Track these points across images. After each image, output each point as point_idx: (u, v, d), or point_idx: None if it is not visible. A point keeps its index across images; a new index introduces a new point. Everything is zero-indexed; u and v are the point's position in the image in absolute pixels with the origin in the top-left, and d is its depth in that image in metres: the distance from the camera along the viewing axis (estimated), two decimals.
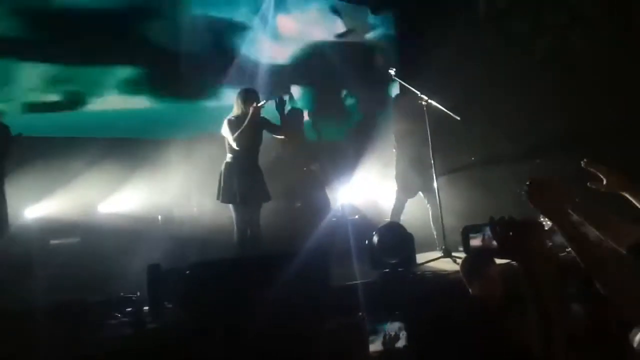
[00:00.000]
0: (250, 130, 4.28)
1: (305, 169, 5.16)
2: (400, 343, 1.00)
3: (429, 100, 4.70)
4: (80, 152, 4.38)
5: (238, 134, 4.20)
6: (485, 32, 7.03)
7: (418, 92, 4.76)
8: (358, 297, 3.05)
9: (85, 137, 4.60)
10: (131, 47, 5.33)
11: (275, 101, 4.42)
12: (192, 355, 2.53)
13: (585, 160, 1.87)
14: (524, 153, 5.97)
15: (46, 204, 4.31)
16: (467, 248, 1.47)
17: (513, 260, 1.42)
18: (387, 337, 1.01)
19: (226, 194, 4.29)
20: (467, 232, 1.46)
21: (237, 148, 4.27)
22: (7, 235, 3.44)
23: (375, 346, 0.96)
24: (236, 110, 4.39)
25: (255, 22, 6.41)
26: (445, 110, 4.71)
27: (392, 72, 5.24)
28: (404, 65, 7.05)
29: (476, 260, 2.62)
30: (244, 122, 4.24)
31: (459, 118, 4.71)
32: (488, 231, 1.42)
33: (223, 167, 4.37)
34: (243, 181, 4.29)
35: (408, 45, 7.56)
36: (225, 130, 4.33)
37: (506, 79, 6.40)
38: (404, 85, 5.12)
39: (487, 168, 6.15)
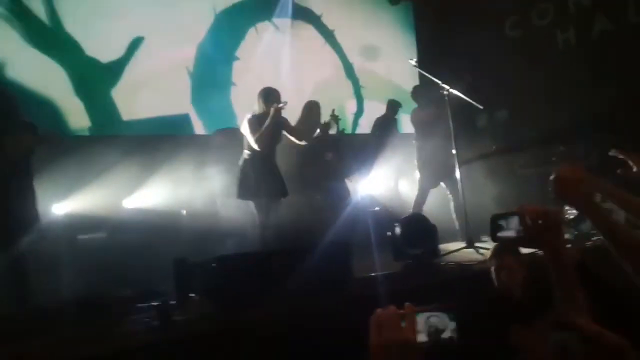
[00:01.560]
0: (271, 130, 4.31)
1: (322, 159, 5.16)
2: (446, 334, 0.99)
3: (450, 90, 4.64)
4: (107, 148, 4.44)
5: (259, 136, 4.23)
6: (506, 19, 6.92)
7: (439, 82, 4.70)
8: (383, 288, 3.05)
9: (111, 134, 4.65)
10: None
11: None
12: (218, 348, 2.56)
13: (615, 149, 1.85)
14: (547, 140, 5.88)
15: (74, 201, 4.40)
16: (494, 237, 1.44)
17: (540, 250, 1.40)
18: (432, 328, 1.00)
19: (243, 191, 4.33)
20: (495, 220, 1.43)
21: (256, 148, 4.29)
22: (37, 231, 3.51)
23: (420, 337, 0.96)
24: (257, 110, 4.41)
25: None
26: (467, 99, 4.64)
27: (412, 61, 5.19)
28: (423, 55, 7.00)
29: (503, 251, 2.59)
30: (264, 121, 4.27)
31: (481, 107, 4.64)
32: (516, 220, 1.39)
33: (240, 163, 4.41)
34: (260, 177, 4.34)
35: (427, 34, 7.47)
36: (245, 129, 4.36)
37: (530, 66, 6.30)
38: (424, 75, 5.06)
39: (510, 157, 6.08)
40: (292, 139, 4.71)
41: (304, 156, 5.09)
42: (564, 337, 0.91)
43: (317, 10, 6.96)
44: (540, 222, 1.34)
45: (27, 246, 3.39)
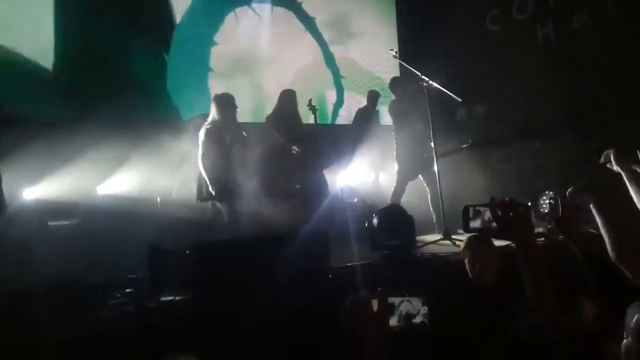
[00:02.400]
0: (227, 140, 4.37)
1: (292, 152, 5.15)
2: (417, 319, 0.99)
3: (430, 82, 4.65)
4: (79, 133, 4.33)
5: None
6: (487, 14, 6.97)
7: (419, 73, 4.71)
8: (360, 277, 3.06)
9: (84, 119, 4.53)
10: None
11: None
12: (191, 335, 2.54)
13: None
14: (523, 135, 5.96)
15: (45, 186, 4.29)
16: (466, 227, 1.47)
17: (511, 242, 1.43)
18: (404, 313, 1.01)
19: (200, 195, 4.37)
20: (467, 212, 1.46)
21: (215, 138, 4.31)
22: (4, 216, 3.41)
23: (392, 321, 0.96)
24: (213, 116, 4.43)
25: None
26: (446, 92, 4.66)
27: (392, 52, 5.18)
28: (404, 46, 7.00)
29: (476, 243, 2.63)
30: (221, 129, 4.34)
31: (460, 99, 4.67)
32: (488, 212, 1.42)
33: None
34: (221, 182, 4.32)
35: (408, 25, 7.48)
36: (202, 141, 4.33)
37: (508, 61, 6.36)
38: (404, 66, 5.07)
39: (487, 151, 6.15)
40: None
41: (275, 147, 5.09)
42: (536, 319, 0.94)
43: None
44: (510, 214, 1.37)
45: None
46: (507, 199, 1.40)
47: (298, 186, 5.23)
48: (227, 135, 4.44)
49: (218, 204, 4.39)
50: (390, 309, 1.04)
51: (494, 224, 1.40)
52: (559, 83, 5.82)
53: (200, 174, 4.36)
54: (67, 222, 4.30)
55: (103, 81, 5.04)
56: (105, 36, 5.20)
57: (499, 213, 1.38)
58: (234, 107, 4.48)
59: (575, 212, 1.57)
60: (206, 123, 4.42)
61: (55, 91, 4.79)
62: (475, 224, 1.45)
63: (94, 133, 4.39)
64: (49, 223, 4.25)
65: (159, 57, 5.68)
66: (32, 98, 4.68)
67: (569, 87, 5.77)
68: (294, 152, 5.04)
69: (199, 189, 4.37)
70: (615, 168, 1.91)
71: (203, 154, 4.30)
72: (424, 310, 1.05)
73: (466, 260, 2.67)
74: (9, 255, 3.48)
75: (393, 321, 1.02)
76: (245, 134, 4.62)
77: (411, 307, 1.06)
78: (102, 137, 4.41)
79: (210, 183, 4.26)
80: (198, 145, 4.34)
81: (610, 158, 1.90)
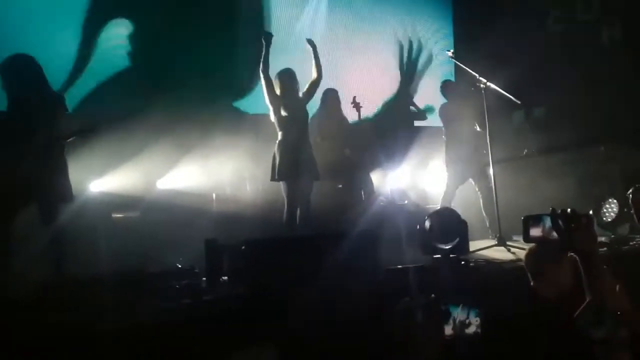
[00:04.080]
0: (293, 102, 4.41)
1: (344, 151, 5.16)
2: (471, 329, 0.98)
3: (488, 83, 4.54)
4: (142, 128, 4.52)
5: (281, 107, 4.37)
6: (549, 14, 6.72)
7: (476, 74, 4.61)
8: (411, 280, 3.03)
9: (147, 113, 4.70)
10: None
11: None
12: (244, 329, 2.60)
13: None
14: (585, 140, 5.70)
15: (109, 179, 4.51)
16: (526, 237, 1.45)
17: (574, 252, 1.41)
18: (457, 321, 1.00)
19: (280, 171, 4.37)
20: (527, 221, 1.45)
21: (284, 119, 4.38)
22: (73, 206, 3.62)
23: (446, 330, 0.96)
24: (277, 89, 4.51)
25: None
26: (505, 94, 4.54)
27: (449, 53, 5.10)
28: (460, 48, 6.86)
29: (545, 253, 2.53)
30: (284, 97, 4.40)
31: (519, 102, 4.53)
32: (549, 222, 1.40)
33: (276, 146, 4.45)
34: (294, 158, 4.38)
35: (465, 27, 7.32)
36: (271, 113, 4.44)
37: (569, 63, 6.11)
38: (460, 67, 4.97)
39: (545, 156, 5.92)
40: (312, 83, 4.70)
41: (326, 148, 5.10)
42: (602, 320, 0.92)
43: None
44: (572, 225, 1.35)
45: (66, 221, 3.49)
46: (568, 209, 1.38)
47: (340, 186, 5.24)
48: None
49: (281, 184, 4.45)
50: (444, 317, 1.04)
51: (554, 234, 1.39)
52: (623, 86, 5.54)
53: (274, 153, 4.46)
54: (129, 215, 4.51)
55: (167, 75, 5.16)
56: (169, 29, 5.31)
57: (560, 224, 1.37)
58: (297, 83, 4.57)
59: None
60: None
61: (122, 87, 4.97)
62: (535, 233, 1.43)
63: (157, 128, 4.57)
64: (113, 215, 4.47)
65: (224, 49, 5.73)
66: (99, 94, 4.89)
67: (634, 90, 5.48)
68: (347, 154, 5.06)
69: (272, 169, 4.46)
70: None
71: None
72: (477, 321, 1.04)
73: (528, 271, 2.58)
74: (76, 243, 3.70)
75: (447, 330, 1.02)
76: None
77: (465, 316, 1.05)
78: (163, 131, 4.58)
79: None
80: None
81: None
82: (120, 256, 3.72)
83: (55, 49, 4.63)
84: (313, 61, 4.65)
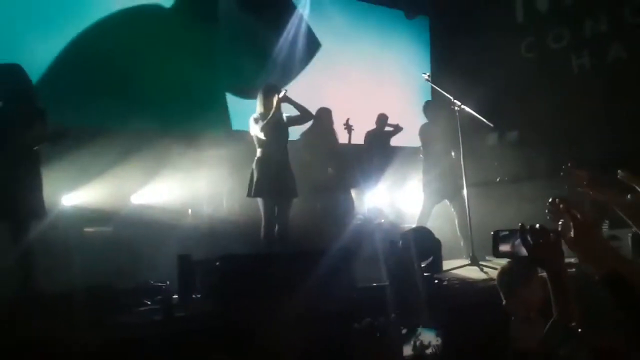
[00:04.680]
0: (276, 121, 4.37)
1: (333, 172, 5.20)
2: (430, 350, 1.00)
3: (462, 106, 4.66)
4: (116, 143, 4.48)
5: (265, 123, 4.30)
6: (522, 41, 6.95)
7: (451, 97, 4.73)
8: (383, 299, 3.05)
9: (122, 129, 4.67)
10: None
11: (279, 96, 4.42)
12: (217, 345, 2.57)
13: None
14: (555, 165, 5.85)
15: (82, 192, 4.44)
16: (496, 252, 1.48)
17: (542, 268, 1.45)
18: (418, 342, 1.01)
19: (257, 188, 4.36)
20: (497, 236, 1.47)
21: (264, 139, 4.34)
22: (45, 220, 3.54)
23: (405, 350, 0.97)
24: (260, 107, 4.49)
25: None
26: (478, 117, 4.67)
27: (425, 76, 5.22)
28: (437, 70, 7.03)
29: (517, 272, 2.57)
30: (268, 115, 4.35)
31: (492, 125, 4.66)
32: (517, 237, 1.43)
33: (254, 163, 4.44)
34: (273, 176, 4.37)
35: (441, 49, 7.51)
36: (252, 128, 4.42)
37: (541, 89, 6.32)
38: (436, 90, 5.09)
39: (519, 180, 6.04)
40: (301, 123, 4.74)
41: (310, 165, 5.13)
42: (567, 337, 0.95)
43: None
44: (540, 240, 1.37)
45: (37, 235, 3.42)
46: (537, 225, 1.40)
47: (319, 205, 5.26)
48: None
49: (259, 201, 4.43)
50: (405, 337, 1.06)
51: (523, 250, 1.40)
52: (591, 113, 5.75)
53: (252, 170, 4.43)
54: (102, 229, 4.43)
55: (145, 88, 5.12)
56: (150, 43, 5.31)
57: (529, 239, 1.39)
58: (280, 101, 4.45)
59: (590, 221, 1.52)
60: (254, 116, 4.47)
61: (96, 98, 4.90)
62: (505, 248, 1.46)
63: (133, 141, 4.54)
64: (85, 229, 4.39)
65: (204, 65, 5.74)
66: (72, 105, 4.81)
67: (603, 117, 5.69)
68: (330, 172, 5.08)
69: (249, 185, 4.44)
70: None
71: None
72: (438, 341, 1.06)
73: (501, 290, 2.62)
74: (47, 258, 3.61)
75: (407, 350, 1.03)
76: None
77: (426, 337, 1.07)
78: (140, 146, 4.55)
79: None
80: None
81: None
82: (92, 271, 3.65)
83: (31, 53, 4.56)
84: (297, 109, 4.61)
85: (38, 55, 4.72)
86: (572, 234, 1.43)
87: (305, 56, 6.59)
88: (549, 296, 1.49)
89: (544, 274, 1.45)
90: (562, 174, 1.82)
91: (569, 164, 1.74)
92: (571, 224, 1.39)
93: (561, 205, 1.41)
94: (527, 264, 2.62)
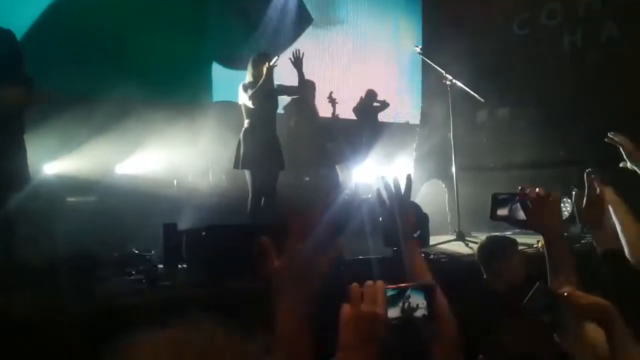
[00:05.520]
0: (265, 91, 4.28)
1: (318, 145, 5.15)
2: (419, 312, 0.98)
3: (454, 80, 4.62)
4: (101, 111, 4.37)
5: (253, 92, 4.20)
6: (516, 17, 6.88)
7: (442, 71, 4.68)
8: (370, 271, 3.06)
9: (107, 97, 4.55)
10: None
11: (294, 55, 4.35)
12: (203, 315, 2.56)
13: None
14: (545, 143, 5.87)
15: (65, 161, 4.34)
16: (493, 215, 1.45)
17: (538, 231, 1.43)
18: (406, 304, 0.99)
19: (244, 160, 4.30)
20: (495, 198, 1.44)
21: (252, 107, 4.26)
22: (28, 189, 3.45)
23: (393, 312, 0.95)
24: (249, 76, 4.39)
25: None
26: (470, 91, 4.63)
27: (417, 49, 5.15)
28: (428, 44, 6.94)
29: (497, 247, 2.59)
30: (257, 84, 4.25)
31: (482, 100, 4.63)
32: (516, 201, 1.40)
33: (241, 134, 4.38)
34: (261, 147, 4.31)
35: (434, 23, 7.41)
36: (241, 95, 4.33)
37: (532, 65, 6.29)
38: (428, 65, 5.04)
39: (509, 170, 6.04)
40: (291, 96, 4.70)
41: (300, 139, 5.07)
42: (550, 304, 0.94)
43: None
44: (540, 204, 1.36)
45: (19, 203, 3.33)
46: (537, 189, 1.38)
47: (307, 178, 5.23)
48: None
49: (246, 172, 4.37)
50: (392, 300, 1.03)
51: (521, 214, 1.39)
52: (582, 92, 5.75)
53: (239, 141, 4.35)
54: (85, 199, 4.35)
55: (131, 56, 5.00)
56: (137, 12, 5.16)
57: (528, 202, 1.37)
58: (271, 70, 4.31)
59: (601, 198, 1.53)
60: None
61: (80, 65, 4.77)
62: (502, 212, 1.43)
63: (118, 110, 4.43)
64: (68, 199, 4.31)
65: (191, 37, 5.60)
66: (57, 72, 4.68)
67: (593, 96, 5.69)
68: (329, 147, 5.04)
69: (235, 157, 4.37)
70: (630, 165, 1.88)
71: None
72: (425, 304, 1.04)
73: (481, 263, 2.64)
74: (29, 228, 3.54)
75: (394, 312, 1.01)
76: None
77: (413, 300, 1.05)
78: (124, 114, 4.44)
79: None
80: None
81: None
82: (76, 241, 3.59)
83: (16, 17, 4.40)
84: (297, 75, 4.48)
85: (22, 19, 4.56)
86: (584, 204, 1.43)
87: (296, 29, 6.46)
88: (531, 272, 1.49)
89: (527, 250, 1.44)
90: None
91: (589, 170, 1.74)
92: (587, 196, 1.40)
93: (592, 176, 1.42)
94: (507, 241, 2.66)
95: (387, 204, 1.51)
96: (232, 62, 5.72)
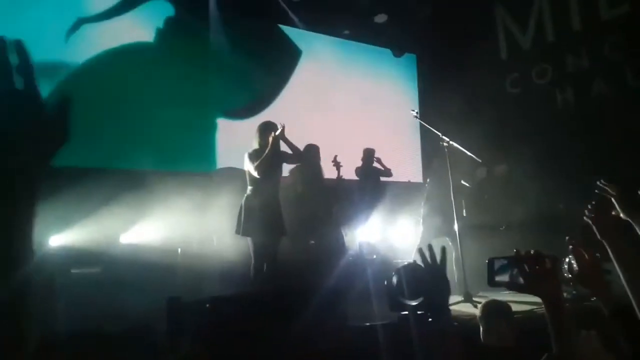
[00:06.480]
0: (271, 159, 4.35)
1: (324, 208, 5.19)
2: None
3: (451, 142, 4.72)
4: (104, 182, 4.45)
5: (259, 162, 4.27)
6: (507, 77, 7.11)
7: (439, 134, 4.79)
8: (375, 338, 2.99)
9: (109, 168, 4.66)
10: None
11: (274, 132, 4.38)
12: None
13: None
14: (545, 197, 5.88)
15: (70, 233, 4.37)
16: (491, 281, 1.45)
17: (538, 296, 1.41)
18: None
19: (245, 227, 4.32)
20: (492, 265, 1.45)
21: (257, 177, 4.32)
22: (32, 262, 3.46)
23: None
24: (255, 144, 4.48)
25: None
26: (467, 152, 4.72)
27: (413, 112, 5.30)
28: (424, 107, 7.15)
29: (493, 313, 2.58)
30: (263, 153, 4.34)
31: (480, 160, 4.71)
32: (513, 265, 1.41)
33: (243, 200, 4.42)
34: (263, 214, 4.33)
35: (429, 86, 7.67)
36: (246, 164, 4.40)
37: (528, 123, 6.43)
38: (425, 127, 5.17)
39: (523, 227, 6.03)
40: (292, 164, 4.75)
41: (305, 201, 5.11)
42: None
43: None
44: (536, 267, 1.36)
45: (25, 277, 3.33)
46: (532, 251, 1.39)
47: (313, 242, 5.22)
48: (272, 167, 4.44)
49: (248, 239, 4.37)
50: None
51: (521, 280, 1.38)
52: (577, 147, 5.84)
53: (242, 207, 4.38)
54: (89, 270, 4.35)
55: (134, 128, 5.15)
56: (138, 82, 5.36)
57: (526, 267, 1.37)
58: (277, 139, 4.38)
59: (597, 260, 1.53)
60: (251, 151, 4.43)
61: (83, 138, 4.90)
62: (501, 278, 1.42)
63: (121, 181, 4.51)
64: (72, 270, 4.31)
65: (196, 103, 5.80)
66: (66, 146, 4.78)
67: (587, 151, 5.78)
68: (333, 211, 5.08)
69: (237, 223, 4.39)
70: (622, 215, 1.88)
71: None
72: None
73: (481, 329, 2.62)
74: (34, 301, 3.51)
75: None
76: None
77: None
78: (130, 185, 4.52)
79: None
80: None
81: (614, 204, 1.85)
82: (79, 314, 3.56)
83: None
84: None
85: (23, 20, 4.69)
86: (576, 268, 1.44)
87: (290, 67, 6.72)
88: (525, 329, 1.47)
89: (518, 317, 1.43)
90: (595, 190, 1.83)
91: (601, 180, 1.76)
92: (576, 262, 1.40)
93: (573, 242, 1.42)
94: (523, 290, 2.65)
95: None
96: (234, 114, 5.98)
